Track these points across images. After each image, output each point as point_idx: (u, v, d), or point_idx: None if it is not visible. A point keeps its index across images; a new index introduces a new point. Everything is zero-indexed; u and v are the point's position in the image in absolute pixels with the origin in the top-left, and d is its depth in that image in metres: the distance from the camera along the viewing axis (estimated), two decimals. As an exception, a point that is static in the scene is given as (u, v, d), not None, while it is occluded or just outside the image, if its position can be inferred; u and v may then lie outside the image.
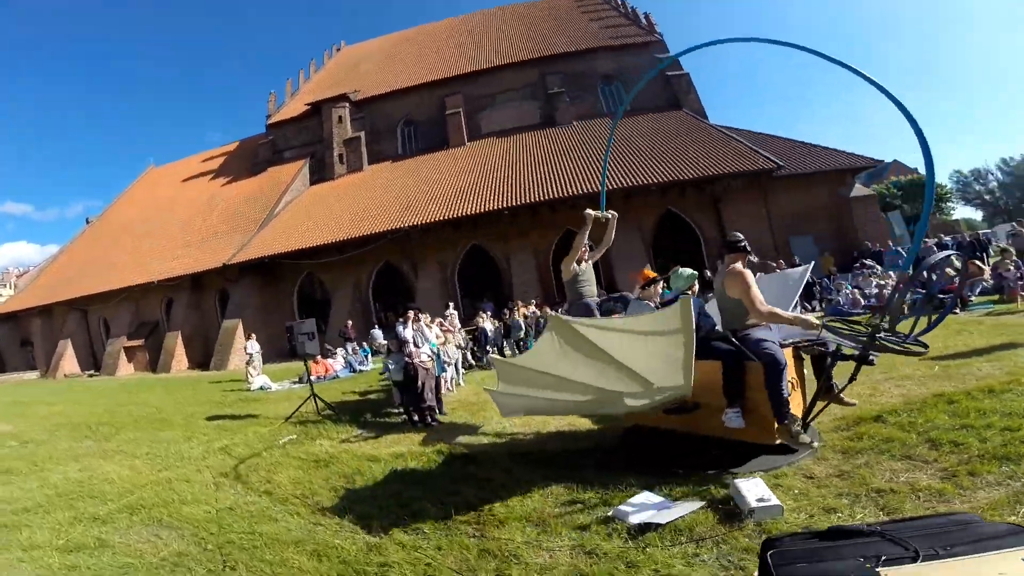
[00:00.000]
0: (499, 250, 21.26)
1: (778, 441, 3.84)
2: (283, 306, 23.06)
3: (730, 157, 19.39)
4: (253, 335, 15.92)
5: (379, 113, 28.51)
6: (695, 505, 3.18)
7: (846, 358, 3.86)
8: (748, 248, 4.24)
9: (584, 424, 5.63)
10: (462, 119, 26.64)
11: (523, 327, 12.10)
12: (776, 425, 3.77)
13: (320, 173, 27.92)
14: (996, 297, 11.00)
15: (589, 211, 5.24)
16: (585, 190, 19.22)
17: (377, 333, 19.90)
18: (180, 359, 21.70)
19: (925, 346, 3.51)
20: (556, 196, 19.47)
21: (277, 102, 32.06)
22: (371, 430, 6.71)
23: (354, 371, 14.50)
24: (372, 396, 9.84)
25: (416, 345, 6.83)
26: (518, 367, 4.17)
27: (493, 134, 26.15)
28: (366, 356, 15.90)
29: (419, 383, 6.60)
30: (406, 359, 6.74)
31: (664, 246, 19.89)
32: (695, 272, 4.76)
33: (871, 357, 3.70)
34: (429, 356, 7.06)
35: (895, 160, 46.44)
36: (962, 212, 51.17)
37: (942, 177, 48.58)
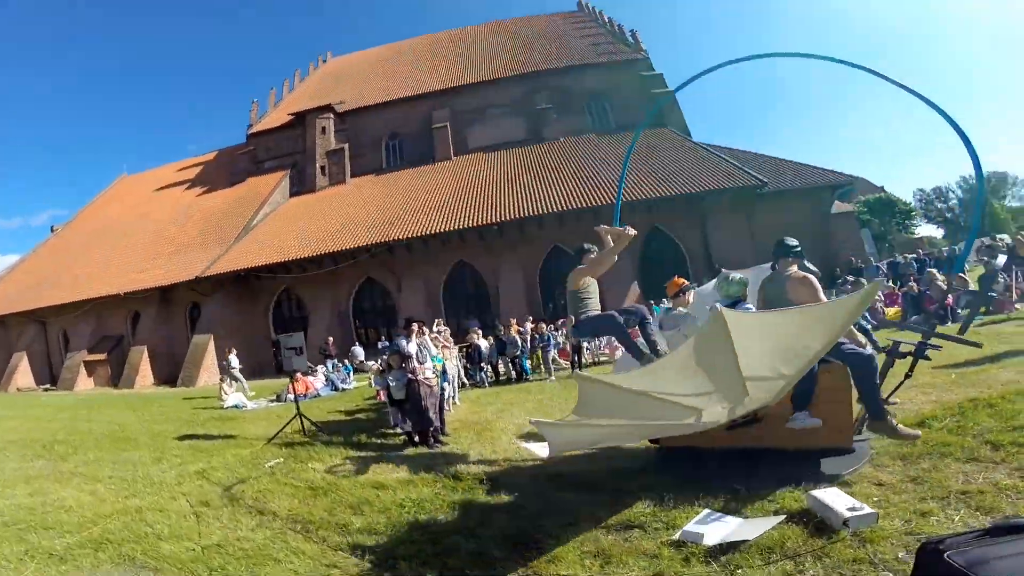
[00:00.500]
0: (486, 266, 20.79)
1: (862, 439, 3.83)
2: (257, 322, 22.10)
3: (716, 174, 19.54)
4: (234, 349, 15.09)
5: (364, 125, 28.04)
6: (775, 520, 2.92)
7: (903, 355, 4.03)
8: (803, 253, 4.21)
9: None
10: (449, 133, 26.37)
11: (519, 344, 11.57)
12: (870, 422, 3.75)
13: (301, 185, 27.20)
14: (983, 309, 11.05)
15: (603, 227, 4.85)
16: (573, 206, 19.12)
17: (358, 351, 19.16)
18: (145, 375, 20.47)
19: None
20: (545, 212, 19.23)
21: (259, 112, 31.31)
22: (368, 452, 6.06)
23: (336, 389, 13.71)
24: (361, 416, 9.15)
25: (419, 361, 6.25)
26: (606, 384, 3.65)
27: (480, 149, 25.90)
28: (348, 374, 15.11)
29: (423, 402, 6.01)
30: (408, 375, 6.14)
31: (651, 262, 19.71)
32: (746, 278, 4.38)
33: (926, 352, 3.92)
34: (433, 372, 6.49)
35: (860, 178, 47.69)
36: (925, 229, 52.57)
37: (906, 195, 50.13)
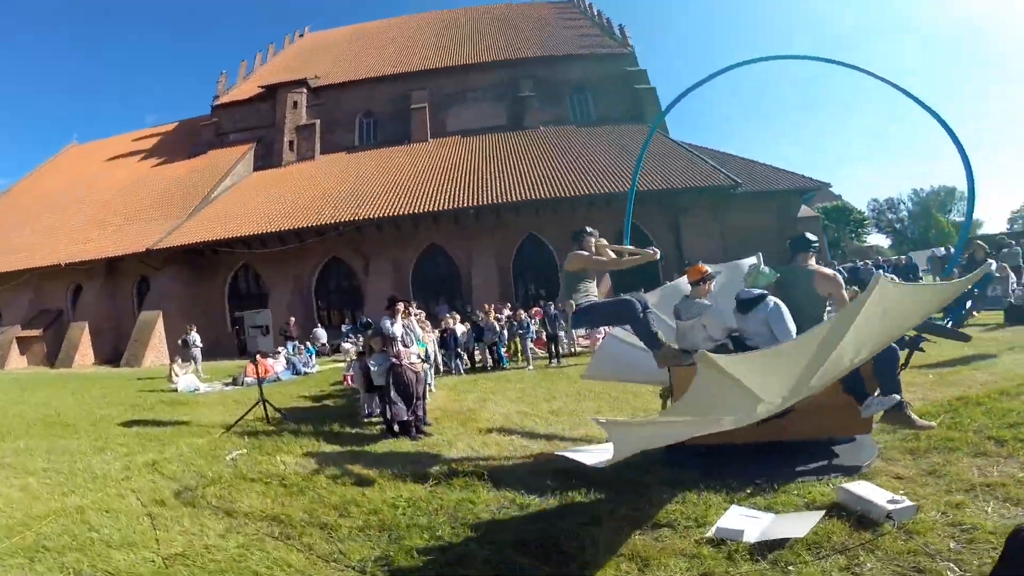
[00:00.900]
0: (459, 251, 20.24)
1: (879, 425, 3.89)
2: (212, 299, 20.94)
3: (691, 173, 19.53)
4: (194, 326, 14.17)
5: (338, 102, 26.82)
6: (818, 515, 2.84)
7: (920, 348, 4.13)
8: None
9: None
10: (427, 115, 25.51)
11: (497, 330, 11.16)
12: (888, 412, 3.72)
13: (267, 160, 25.82)
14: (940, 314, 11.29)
15: (628, 247, 4.71)
16: (550, 194, 18.81)
17: (321, 332, 18.41)
18: (86, 353, 19.07)
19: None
20: (522, 198, 18.82)
21: (228, 84, 29.53)
22: (343, 444, 5.53)
23: (298, 373, 12.97)
24: (329, 403, 8.57)
25: (405, 344, 5.75)
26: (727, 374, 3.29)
27: (458, 133, 25.18)
28: (311, 356, 14.38)
29: (408, 389, 5.52)
30: (392, 359, 5.63)
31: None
32: (776, 273, 4.12)
33: (920, 345, 4.08)
34: (419, 357, 6.00)
35: (826, 184, 49.09)
36: (873, 239, 54.57)
37: (860, 203, 52.10)
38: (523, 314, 11.87)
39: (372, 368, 5.89)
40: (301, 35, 35.40)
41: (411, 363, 5.72)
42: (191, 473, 4.72)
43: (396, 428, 5.66)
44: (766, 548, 2.59)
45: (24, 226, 24.13)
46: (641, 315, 4.04)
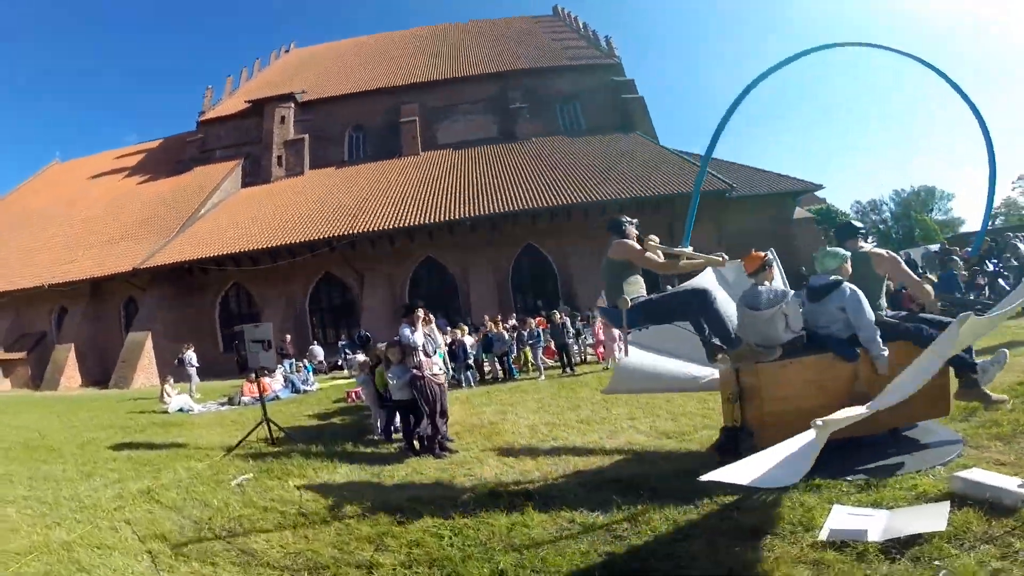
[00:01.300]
0: (455, 263, 19.83)
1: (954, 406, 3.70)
2: (201, 319, 20.29)
3: (684, 178, 19.35)
4: (191, 346, 13.66)
5: (327, 117, 26.47)
6: (944, 506, 2.60)
7: None
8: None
9: (642, 443, 4.58)
10: (417, 128, 25.23)
11: (507, 340, 10.72)
12: (961, 391, 3.65)
13: (255, 176, 25.32)
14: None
15: (688, 250, 4.01)
16: (547, 204, 18.62)
17: (318, 350, 17.87)
18: (72, 376, 18.30)
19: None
20: (519, 208, 18.57)
21: (214, 99, 29.08)
22: (360, 465, 5.05)
23: (296, 391, 12.41)
24: (336, 420, 8.07)
25: (427, 353, 5.28)
26: None
27: (449, 146, 24.93)
28: (309, 374, 13.82)
29: (434, 403, 5.04)
30: (414, 371, 5.15)
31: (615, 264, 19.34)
32: (847, 252, 3.73)
33: None
34: (441, 369, 5.53)
35: (820, 185, 49.55)
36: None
37: (844, 205, 52.68)
38: (532, 323, 11.45)
39: (391, 381, 5.40)
40: (287, 51, 35.13)
41: (434, 374, 5.25)
42: (193, 502, 4.23)
43: (417, 445, 5.18)
44: (899, 546, 2.35)
45: (3, 246, 23.32)
46: (714, 306, 3.59)
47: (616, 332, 11.30)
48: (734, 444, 3.53)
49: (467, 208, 18.94)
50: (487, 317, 13.33)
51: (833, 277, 3.59)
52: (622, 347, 10.68)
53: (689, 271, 4.17)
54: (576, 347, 11.60)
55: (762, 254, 3.88)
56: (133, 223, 22.62)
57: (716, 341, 3.63)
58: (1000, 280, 11.85)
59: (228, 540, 3.24)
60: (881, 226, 57.91)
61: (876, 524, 2.57)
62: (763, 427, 3.40)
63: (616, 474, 3.74)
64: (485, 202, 19.18)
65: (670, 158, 21.58)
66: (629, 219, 4.14)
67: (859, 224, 4.18)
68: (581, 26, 30.91)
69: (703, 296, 3.63)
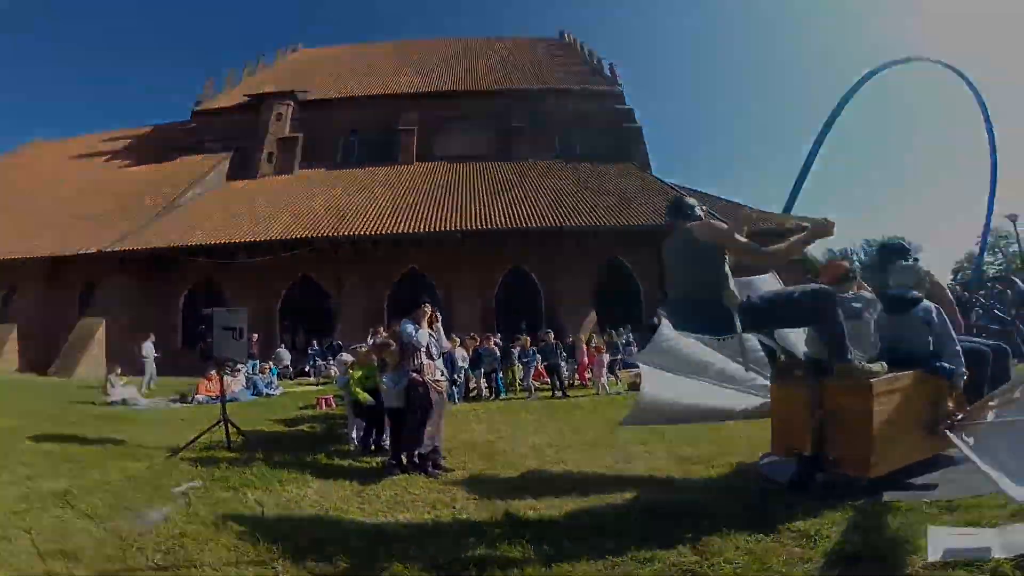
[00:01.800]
0: (441, 277, 19.09)
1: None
2: (166, 309, 19.08)
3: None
4: (152, 335, 12.82)
5: (324, 118, 25.86)
6: None
7: None
8: None
9: (665, 469, 3.98)
10: (415, 137, 24.81)
11: (497, 356, 10.05)
12: None
13: (244, 172, 24.40)
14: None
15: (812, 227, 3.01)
16: (538, 224, 18.31)
17: (284, 353, 16.81)
18: (10, 358, 16.86)
19: None
20: (511, 226, 18.19)
21: (214, 90, 28.34)
22: (336, 480, 4.22)
23: (258, 394, 11.42)
24: (304, 428, 7.18)
25: (431, 356, 4.54)
26: None
27: (446, 158, 24.48)
28: (274, 377, 12.82)
29: (433, 412, 4.27)
30: (413, 374, 4.41)
31: (607, 294, 19.00)
32: (926, 268, 3.28)
33: None
34: (443, 374, 4.78)
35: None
36: None
37: (817, 253, 53.77)
38: (527, 340, 10.80)
39: (386, 385, 4.60)
40: (294, 50, 34.69)
41: (436, 380, 4.50)
42: (121, 511, 3.36)
43: (405, 461, 4.39)
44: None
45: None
46: (840, 314, 2.90)
47: (605, 357, 10.72)
48: (809, 476, 2.91)
49: (457, 222, 18.43)
50: (472, 335, 12.66)
51: (913, 292, 3.27)
52: (606, 373, 10.16)
53: (799, 253, 3.35)
54: (567, 369, 10.93)
55: (845, 263, 3.37)
56: (106, 205, 21.38)
57: (802, 355, 3.01)
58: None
59: (161, 563, 2.42)
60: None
61: (995, 541, 2.37)
62: (867, 452, 2.79)
63: (650, 502, 3.07)
64: (475, 218, 18.71)
65: (661, 188, 21.39)
66: (694, 202, 3.41)
67: (908, 243, 4.12)
68: (587, 53, 31.17)
69: (831, 298, 2.92)
